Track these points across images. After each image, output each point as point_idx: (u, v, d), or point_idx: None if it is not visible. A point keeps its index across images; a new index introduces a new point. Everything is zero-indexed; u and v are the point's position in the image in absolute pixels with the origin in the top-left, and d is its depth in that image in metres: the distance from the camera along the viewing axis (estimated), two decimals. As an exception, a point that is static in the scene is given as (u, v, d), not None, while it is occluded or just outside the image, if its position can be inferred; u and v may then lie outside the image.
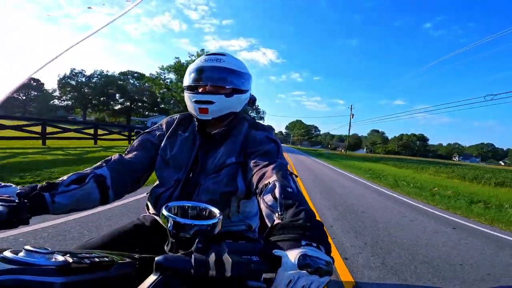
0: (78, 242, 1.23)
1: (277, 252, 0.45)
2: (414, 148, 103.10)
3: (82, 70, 52.26)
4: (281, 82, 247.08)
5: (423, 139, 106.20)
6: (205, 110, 0.92)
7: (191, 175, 0.91)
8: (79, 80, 51.76)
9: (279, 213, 0.59)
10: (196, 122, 0.99)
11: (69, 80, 51.02)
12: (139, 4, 0.90)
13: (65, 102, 53.37)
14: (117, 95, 53.51)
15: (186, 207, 0.65)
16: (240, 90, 0.98)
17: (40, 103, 53.39)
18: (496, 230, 4.60)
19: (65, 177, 0.75)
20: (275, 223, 0.55)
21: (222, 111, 0.94)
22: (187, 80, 0.97)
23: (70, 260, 0.47)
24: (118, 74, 54.14)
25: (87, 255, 0.53)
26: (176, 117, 1.07)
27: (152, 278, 0.44)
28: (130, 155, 0.94)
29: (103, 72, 53.32)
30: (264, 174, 0.77)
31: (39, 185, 0.69)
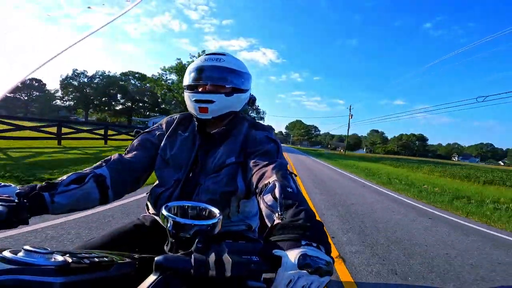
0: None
1: (277, 252, 0.45)
2: (414, 148, 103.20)
3: (84, 70, 52.85)
4: (281, 82, 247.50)
5: (422, 139, 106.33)
6: (205, 109, 0.92)
7: (191, 175, 0.91)
8: (81, 81, 52.14)
9: (279, 213, 0.59)
10: (196, 122, 0.99)
11: (71, 80, 51.42)
12: (139, 4, 0.90)
13: (67, 103, 53.73)
14: (119, 95, 53.73)
15: (186, 207, 0.65)
16: (240, 90, 0.98)
17: (42, 103, 53.57)
18: (467, 221, 5.07)
19: (64, 177, 0.75)
20: (275, 223, 0.55)
21: (222, 110, 0.94)
22: (187, 79, 0.97)
23: (70, 260, 0.46)
24: (120, 74, 54.39)
25: (87, 255, 0.53)
26: (176, 117, 1.07)
27: (152, 278, 0.44)
28: (129, 155, 0.94)
29: (104, 73, 53.67)
30: (264, 173, 0.77)
31: (38, 185, 0.69)
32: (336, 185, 8.04)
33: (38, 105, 53.59)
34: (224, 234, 0.89)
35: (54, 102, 55.14)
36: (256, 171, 0.81)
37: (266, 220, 0.66)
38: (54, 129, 9.46)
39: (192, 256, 0.45)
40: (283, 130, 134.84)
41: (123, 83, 52.61)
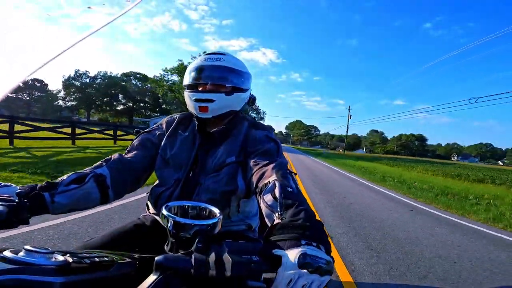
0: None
1: (277, 251, 0.45)
2: (413, 148, 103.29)
3: (86, 71, 53.16)
4: (281, 82, 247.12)
5: (421, 139, 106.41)
6: (205, 109, 0.92)
7: (191, 175, 0.91)
8: (83, 81, 52.33)
9: (279, 213, 0.59)
10: (196, 121, 0.99)
11: (73, 81, 51.58)
12: (139, 4, 0.90)
13: (70, 103, 53.83)
14: (120, 95, 53.80)
15: (186, 206, 0.65)
16: (240, 89, 0.98)
17: (44, 104, 53.71)
18: (445, 213, 5.56)
19: (64, 177, 0.75)
20: (274, 223, 0.55)
21: (222, 109, 0.94)
22: (187, 79, 0.97)
23: (70, 260, 0.47)
24: (121, 75, 54.53)
25: (87, 255, 0.53)
26: (176, 117, 1.07)
27: (152, 278, 0.44)
28: (130, 155, 0.94)
29: (106, 73, 53.86)
30: (264, 173, 0.77)
31: (38, 185, 0.69)
32: (333, 184, 8.18)
33: (40, 105, 53.72)
34: (224, 233, 0.89)
35: (56, 102, 55.30)
36: (256, 170, 0.81)
37: (266, 220, 0.66)
38: (68, 130, 10.20)
39: (192, 256, 0.45)
40: (283, 130, 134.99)
41: (124, 83, 52.72)
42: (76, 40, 0.66)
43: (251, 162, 0.85)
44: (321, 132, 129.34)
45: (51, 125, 10.17)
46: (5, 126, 7.92)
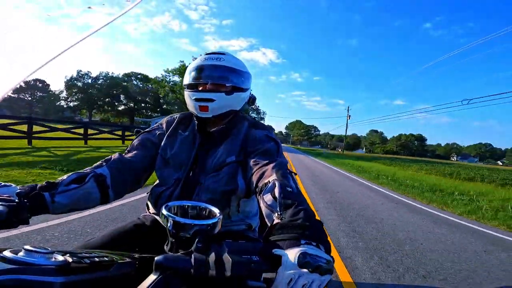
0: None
1: (277, 251, 0.45)
2: (412, 148, 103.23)
3: (88, 71, 53.08)
4: (281, 82, 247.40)
5: (421, 139, 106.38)
6: (205, 108, 0.92)
7: (191, 174, 0.91)
8: (86, 82, 52.40)
9: (279, 213, 0.59)
10: (196, 121, 0.99)
11: (75, 81, 51.58)
12: (139, 4, 0.90)
13: (72, 103, 53.91)
14: (121, 96, 53.84)
15: (186, 206, 0.65)
16: (240, 88, 0.98)
17: (46, 104, 53.71)
18: (427, 206, 6.11)
19: (65, 177, 0.75)
20: (274, 222, 0.55)
21: (222, 109, 0.94)
22: (187, 78, 0.97)
23: (70, 259, 0.46)
24: (123, 75, 54.59)
25: (87, 254, 0.53)
26: (177, 116, 1.07)
27: (152, 277, 0.44)
28: (130, 154, 0.94)
29: (108, 74, 53.89)
30: (264, 173, 0.77)
31: (39, 185, 0.69)
32: (331, 182, 8.47)
33: (42, 106, 53.69)
34: (224, 233, 0.89)
35: (58, 102, 55.30)
36: (256, 170, 0.81)
37: (266, 220, 0.66)
38: (81, 130, 10.87)
39: (192, 255, 0.45)
40: (283, 130, 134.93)
41: (125, 84, 52.74)
42: (76, 40, 0.66)
43: (251, 162, 0.85)
44: (321, 132, 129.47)
45: (66, 126, 10.74)
46: (24, 127, 8.28)
